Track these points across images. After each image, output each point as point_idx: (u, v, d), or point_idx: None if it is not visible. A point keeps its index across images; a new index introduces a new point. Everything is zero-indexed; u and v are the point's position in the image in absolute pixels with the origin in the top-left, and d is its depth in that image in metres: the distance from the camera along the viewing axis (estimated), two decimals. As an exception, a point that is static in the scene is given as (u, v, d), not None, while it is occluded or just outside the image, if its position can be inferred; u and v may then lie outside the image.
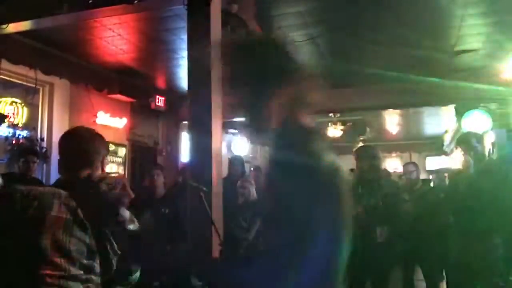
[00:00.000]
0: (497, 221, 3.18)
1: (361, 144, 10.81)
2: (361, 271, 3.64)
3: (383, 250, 3.56)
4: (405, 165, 5.29)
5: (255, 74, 1.22)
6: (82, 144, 1.72)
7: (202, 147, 3.16)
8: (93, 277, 1.54)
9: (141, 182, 5.39)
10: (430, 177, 8.08)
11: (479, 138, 3.47)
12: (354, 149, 3.92)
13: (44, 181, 5.50)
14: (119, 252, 1.64)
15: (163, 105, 8.07)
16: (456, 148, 3.67)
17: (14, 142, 5.54)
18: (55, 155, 5.54)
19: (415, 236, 4.09)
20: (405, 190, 4.42)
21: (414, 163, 5.13)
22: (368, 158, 3.69)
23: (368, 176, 3.66)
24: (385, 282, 3.73)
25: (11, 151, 5.38)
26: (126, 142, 7.86)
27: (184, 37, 4.14)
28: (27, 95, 5.96)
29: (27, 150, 4.69)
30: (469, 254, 3.27)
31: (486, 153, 3.56)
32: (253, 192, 4.54)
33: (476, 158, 3.38)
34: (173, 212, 4.36)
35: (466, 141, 3.45)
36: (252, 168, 7.39)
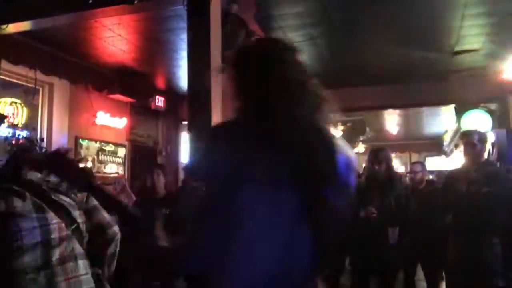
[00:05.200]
0: (496, 221, 3.18)
1: (362, 145, 10.82)
2: (369, 270, 3.70)
3: (394, 251, 3.59)
4: (412, 164, 5.23)
5: None
6: None
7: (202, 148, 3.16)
8: None
9: (141, 182, 5.37)
10: (430, 177, 8.05)
11: (482, 137, 3.45)
12: (369, 151, 3.97)
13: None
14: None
15: (163, 105, 8.07)
16: (457, 146, 3.67)
17: (14, 142, 5.53)
18: (55, 155, 5.54)
19: (418, 236, 4.09)
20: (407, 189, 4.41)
21: (421, 163, 5.01)
22: (384, 160, 3.72)
23: (382, 178, 3.68)
24: (393, 283, 3.74)
25: (10, 152, 5.38)
26: (126, 142, 7.86)
27: (184, 37, 4.14)
28: (27, 95, 5.96)
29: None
30: (468, 254, 3.26)
31: (486, 154, 3.52)
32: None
33: (475, 156, 3.37)
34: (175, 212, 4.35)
35: (467, 137, 3.44)
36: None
